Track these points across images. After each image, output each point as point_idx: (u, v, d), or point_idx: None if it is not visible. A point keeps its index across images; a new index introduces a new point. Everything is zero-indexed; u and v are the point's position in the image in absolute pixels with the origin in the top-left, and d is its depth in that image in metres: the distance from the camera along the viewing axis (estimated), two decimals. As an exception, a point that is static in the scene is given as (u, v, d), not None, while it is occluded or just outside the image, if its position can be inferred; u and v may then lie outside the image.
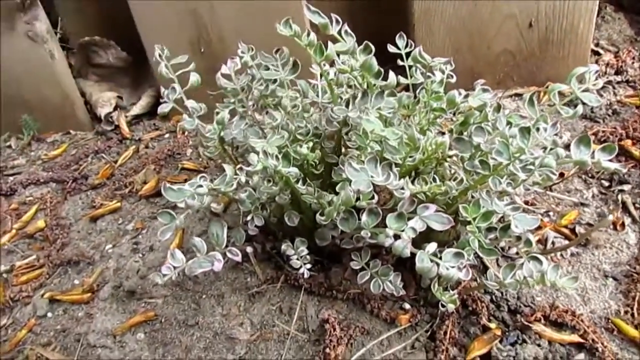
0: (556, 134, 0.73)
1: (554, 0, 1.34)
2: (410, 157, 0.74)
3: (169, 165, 1.39)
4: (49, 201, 1.33)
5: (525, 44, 1.42)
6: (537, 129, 0.72)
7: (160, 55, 0.97)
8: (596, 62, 1.49)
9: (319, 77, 0.96)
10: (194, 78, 0.96)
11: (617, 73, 1.45)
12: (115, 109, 1.59)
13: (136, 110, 1.60)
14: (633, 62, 1.48)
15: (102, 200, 1.30)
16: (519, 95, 1.44)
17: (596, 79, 0.84)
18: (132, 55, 1.65)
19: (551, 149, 0.75)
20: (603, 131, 1.24)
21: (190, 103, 0.92)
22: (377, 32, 1.61)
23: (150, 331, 0.95)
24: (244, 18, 1.40)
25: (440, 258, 0.71)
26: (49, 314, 1.05)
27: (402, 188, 0.70)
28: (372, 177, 0.68)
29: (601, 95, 1.38)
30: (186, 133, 1.50)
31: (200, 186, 0.72)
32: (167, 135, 1.53)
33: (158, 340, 0.93)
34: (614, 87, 1.41)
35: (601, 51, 1.53)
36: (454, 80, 0.90)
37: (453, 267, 0.69)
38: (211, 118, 0.95)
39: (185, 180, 1.31)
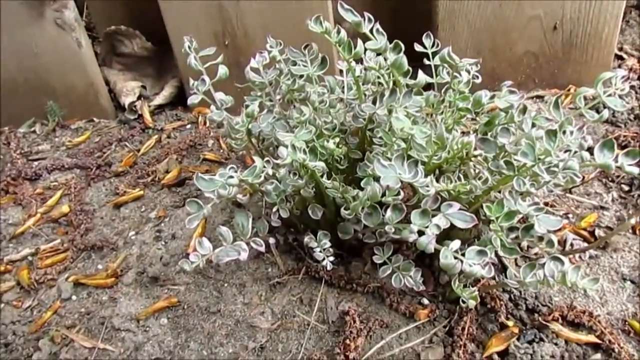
0: (582, 138, 0.74)
1: (580, 2, 1.34)
2: (436, 155, 0.76)
3: (191, 155, 1.41)
4: (73, 187, 1.36)
5: (548, 46, 1.42)
6: (564, 132, 0.73)
7: (189, 47, 0.99)
8: (619, 66, 1.49)
9: (345, 73, 0.97)
10: (222, 70, 0.98)
11: (639, 78, 1.45)
12: (138, 98, 1.62)
13: (159, 100, 1.62)
14: (656, 68, 1.47)
15: (125, 187, 1.33)
16: (541, 97, 1.45)
17: (622, 84, 0.85)
18: (156, 45, 1.68)
19: (575, 152, 0.76)
20: (624, 136, 1.24)
21: (219, 95, 0.94)
22: (401, 31, 1.62)
23: (173, 317, 0.97)
24: (269, 13, 1.42)
25: (464, 255, 0.72)
26: (74, 297, 1.07)
27: (428, 186, 0.72)
28: (399, 174, 0.69)
29: (623, 100, 1.38)
30: (207, 124, 1.53)
31: (231, 177, 0.74)
32: (188, 126, 1.56)
33: (181, 326, 0.95)
34: (636, 92, 1.41)
35: (625, 56, 1.53)
36: (479, 80, 0.92)
37: (476, 264, 0.70)
38: (236, 110, 0.97)
39: (207, 171, 1.34)
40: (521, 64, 1.46)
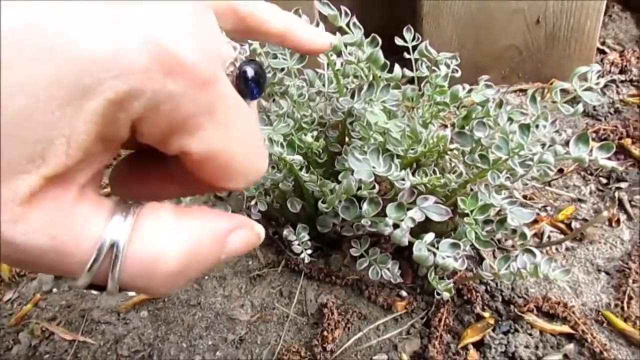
0: (556, 131, 0.75)
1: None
2: (412, 149, 0.76)
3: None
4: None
5: (532, 40, 1.43)
6: (537, 126, 0.73)
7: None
8: (601, 60, 1.50)
9: (325, 66, 0.98)
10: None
11: (621, 72, 1.46)
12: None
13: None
14: (638, 62, 1.48)
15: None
16: (524, 90, 1.46)
17: (598, 78, 0.86)
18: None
19: (550, 146, 0.77)
20: (604, 129, 1.25)
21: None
22: (387, 24, 1.62)
23: (154, 309, 0.98)
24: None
25: (438, 248, 0.73)
26: (54, 290, 1.07)
27: (403, 179, 0.72)
28: (374, 167, 0.70)
29: (604, 94, 1.40)
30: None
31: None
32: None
33: (161, 319, 0.96)
34: (617, 86, 1.42)
35: (607, 50, 1.54)
36: (458, 74, 0.92)
37: (449, 257, 0.71)
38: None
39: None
40: (505, 57, 1.46)
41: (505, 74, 1.49)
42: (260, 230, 0.31)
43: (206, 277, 1.00)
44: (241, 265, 1.01)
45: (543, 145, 0.78)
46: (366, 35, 0.80)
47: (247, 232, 0.30)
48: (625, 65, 1.47)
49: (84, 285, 0.25)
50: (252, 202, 0.87)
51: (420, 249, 0.71)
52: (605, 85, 1.43)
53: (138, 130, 0.25)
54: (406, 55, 0.96)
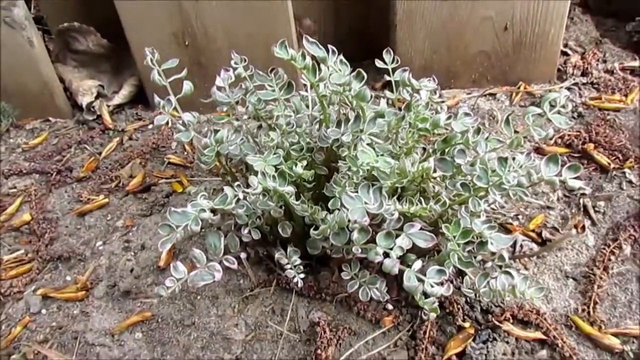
0: (530, 163, 0.81)
1: (528, 2, 1.40)
2: (399, 182, 0.80)
3: (155, 158, 1.41)
4: (33, 193, 1.34)
5: (500, 45, 1.48)
6: (514, 158, 0.79)
7: (151, 60, 0.98)
8: (564, 62, 1.57)
9: (309, 89, 1.00)
10: (187, 87, 0.98)
11: (583, 74, 1.54)
12: (96, 97, 1.59)
13: (118, 99, 1.59)
14: (597, 64, 1.56)
15: (89, 194, 1.32)
16: (493, 94, 1.51)
17: (566, 101, 0.93)
18: (112, 41, 1.64)
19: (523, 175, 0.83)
20: (569, 135, 1.33)
21: (186, 116, 0.95)
22: (360, 25, 1.64)
23: (148, 330, 1.00)
24: (228, 12, 1.41)
25: (424, 273, 0.79)
26: (43, 311, 1.08)
27: (392, 213, 0.77)
28: (366, 203, 0.74)
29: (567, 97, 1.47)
30: (170, 124, 1.52)
31: (204, 210, 0.77)
32: (150, 126, 1.54)
33: (156, 340, 0.98)
34: (579, 89, 1.50)
35: (569, 52, 1.61)
36: (436, 97, 0.97)
37: (437, 283, 0.77)
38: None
39: (173, 176, 1.34)
40: (475, 62, 1.52)
41: (476, 78, 1.54)
42: None
43: (198, 297, 1.03)
44: (233, 285, 1.04)
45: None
46: (334, 44, 0.81)
47: None
48: (587, 68, 1.54)
49: None
50: (246, 231, 0.90)
51: (409, 278, 0.77)
52: (568, 88, 1.51)
53: None
54: (387, 78, 1.00)
